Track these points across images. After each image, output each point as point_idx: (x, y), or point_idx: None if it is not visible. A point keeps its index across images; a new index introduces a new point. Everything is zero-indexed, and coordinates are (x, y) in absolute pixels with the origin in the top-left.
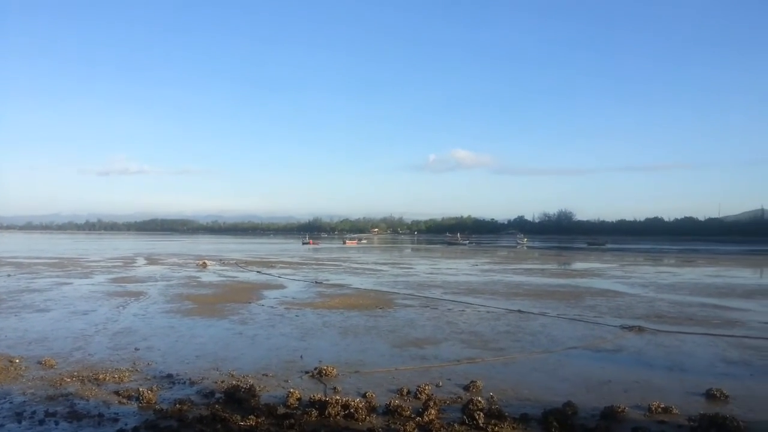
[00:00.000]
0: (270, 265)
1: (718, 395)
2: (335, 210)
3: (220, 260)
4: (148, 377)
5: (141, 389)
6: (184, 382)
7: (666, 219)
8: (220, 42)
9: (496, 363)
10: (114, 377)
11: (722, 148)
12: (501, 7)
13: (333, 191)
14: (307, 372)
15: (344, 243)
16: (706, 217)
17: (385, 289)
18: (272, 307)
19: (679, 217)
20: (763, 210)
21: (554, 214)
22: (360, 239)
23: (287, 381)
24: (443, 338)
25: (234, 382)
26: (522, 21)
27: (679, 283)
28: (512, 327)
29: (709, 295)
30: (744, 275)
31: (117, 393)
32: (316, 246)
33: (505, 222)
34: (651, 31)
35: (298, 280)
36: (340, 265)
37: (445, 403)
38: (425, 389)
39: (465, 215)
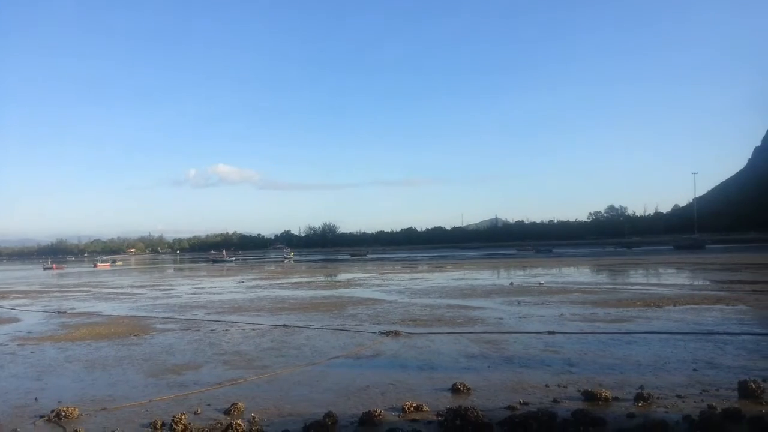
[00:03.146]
0: (0, 295)
1: (461, 389)
2: (84, 230)
3: None
4: None
5: None
6: None
7: (419, 229)
8: None
9: (260, 381)
10: None
11: (463, 165)
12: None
13: (80, 210)
14: (42, 416)
15: (95, 266)
16: (452, 226)
17: (141, 314)
18: (1, 344)
19: (430, 227)
20: (497, 219)
21: (319, 228)
22: (114, 261)
23: (16, 430)
24: (204, 361)
25: None
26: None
27: (430, 288)
28: (277, 343)
29: (455, 297)
30: (483, 277)
31: None
32: (61, 271)
33: (272, 237)
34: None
35: (37, 311)
36: (89, 291)
37: (203, 430)
38: (182, 419)
39: (231, 231)
